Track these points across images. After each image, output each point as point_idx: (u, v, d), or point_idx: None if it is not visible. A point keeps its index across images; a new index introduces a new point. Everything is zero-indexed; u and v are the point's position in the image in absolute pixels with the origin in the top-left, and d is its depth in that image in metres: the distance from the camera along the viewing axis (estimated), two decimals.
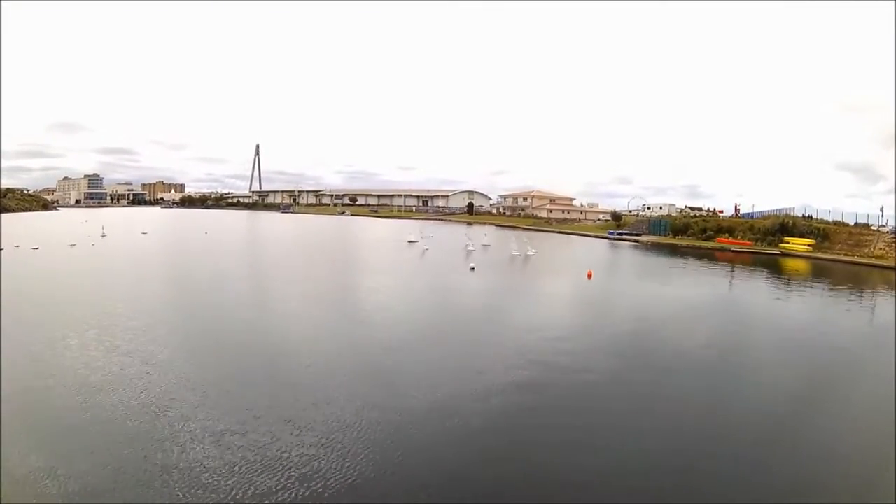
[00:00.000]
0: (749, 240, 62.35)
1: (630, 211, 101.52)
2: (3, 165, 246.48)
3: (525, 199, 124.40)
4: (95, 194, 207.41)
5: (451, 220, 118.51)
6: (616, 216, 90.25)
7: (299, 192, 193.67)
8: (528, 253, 45.34)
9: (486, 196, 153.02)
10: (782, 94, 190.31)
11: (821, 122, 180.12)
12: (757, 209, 77.29)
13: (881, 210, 60.16)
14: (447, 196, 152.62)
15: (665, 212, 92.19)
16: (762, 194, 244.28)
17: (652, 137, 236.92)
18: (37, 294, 23.46)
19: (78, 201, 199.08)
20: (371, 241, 62.83)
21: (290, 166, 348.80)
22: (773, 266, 45.34)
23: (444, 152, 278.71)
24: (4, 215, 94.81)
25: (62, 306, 21.16)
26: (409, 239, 56.62)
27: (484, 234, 60.33)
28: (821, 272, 42.93)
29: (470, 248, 49.69)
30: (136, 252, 42.33)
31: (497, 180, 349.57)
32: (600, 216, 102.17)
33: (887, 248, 51.00)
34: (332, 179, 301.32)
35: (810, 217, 64.81)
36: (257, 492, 8.37)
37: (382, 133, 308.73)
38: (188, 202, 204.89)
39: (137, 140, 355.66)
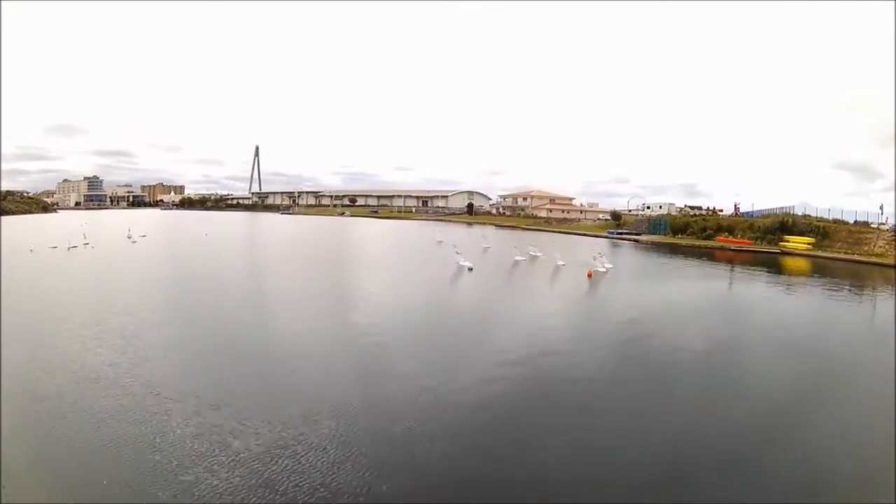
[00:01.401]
0: (749, 238, 62.32)
1: (630, 210, 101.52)
2: (1, 168, 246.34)
3: (525, 198, 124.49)
4: (95, 196, 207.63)
5: (451, 221, 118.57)
6: (616, 216, 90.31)
7: (299, 193, 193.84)
8: (600, 269, 34.73)
9: (485, 196, 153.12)
10: (779, 93, 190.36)
11: (818, 120, 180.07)
12: (756, 208, 77.39)
13: (881, 208, 60.26)
14: (447, 196, 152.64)
15: (665, 211, 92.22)
16: (760, 193, 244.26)
17: (649, 136, 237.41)
18: (30, 295, 23.48)
19: (78, 203, 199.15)
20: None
21: (287, 168, 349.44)
22: (773, 265, 45.31)
23: (441, 153, 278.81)
24: (4, 218, 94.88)
25: (64, 308, 21.18)
26: (484, 245, 51.28)
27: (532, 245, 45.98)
28: (821, 270, 42.92)
29: (518, 257, 40.73)
30: (155, 255, 42.40)
31: (494, 180, 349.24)
32: (600, 216, 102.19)
33: (887, 246, 50.99)
34: (330, 180, 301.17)
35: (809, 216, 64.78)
36: (253, 491, 8.37)
37: (379, 134, 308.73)
38: (188, 204, 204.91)
39: (134, 142, 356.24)
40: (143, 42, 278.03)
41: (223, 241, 59.54)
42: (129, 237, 53.01)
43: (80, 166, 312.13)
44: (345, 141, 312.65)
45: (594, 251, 41.05)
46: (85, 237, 47.26)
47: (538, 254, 42.58)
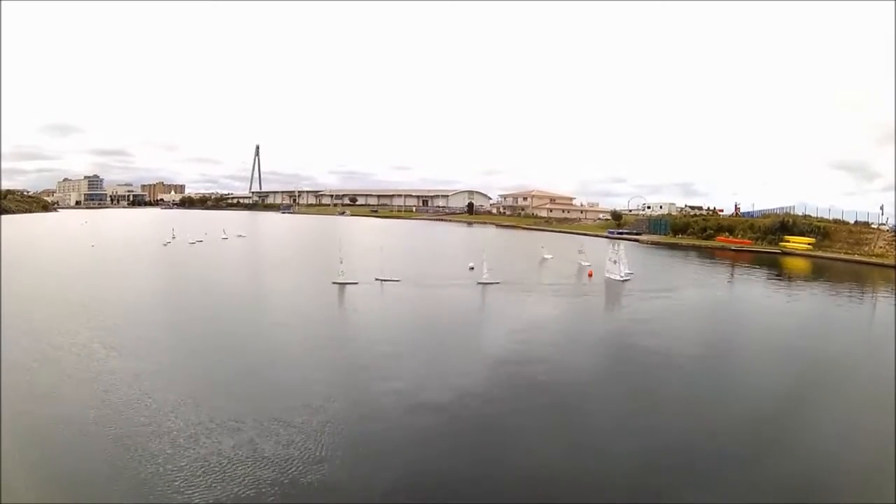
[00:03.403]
0: (749, 238, 62.28)
1: (630, 210, 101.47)
2: (1, 167, 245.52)
3: (525, 198, 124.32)
4: (95, 195, 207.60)
5: (451, 220, 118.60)
6: (616, 215, 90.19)
7: (299, 192, 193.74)
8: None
9: (485, 196, 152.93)
10: (776, 92, 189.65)
11: (815, 119, 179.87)
12: (756, 208, 77.37)
13: (881, 208, 60.23)
14: (447, 196, 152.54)
15: (665, 211, 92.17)
16: (758, 193, 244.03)
17: (645, 135, 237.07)
18: (34, 294, 23.52)
19: (78, 203, 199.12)
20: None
21: (284, 167, 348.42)
22: (773, 265, 45.31)
23: (438, 152, 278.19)
24: (4, 217, 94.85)
25: (59, 305, 21.20)
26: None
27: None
28: (821, 271, 42.92)
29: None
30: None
31: (491, 180, 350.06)
32: (600, 215, 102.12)
33: (887, 247, 50.96)
34: (327, 179, 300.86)
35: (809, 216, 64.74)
36: (249, 491, 8.43)
37: (376, 133, 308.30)
38: (188, 203, 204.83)
39: (131, 141, 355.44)
40: (138, 41, 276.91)
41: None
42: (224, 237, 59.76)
43: (78, 165, 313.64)
44: (341, 140, 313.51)
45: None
46: (205, 233, 58.27)
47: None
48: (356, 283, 27.61)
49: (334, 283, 27.74)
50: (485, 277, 29.18)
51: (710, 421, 11.85)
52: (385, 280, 28.78)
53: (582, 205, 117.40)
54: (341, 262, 28.57)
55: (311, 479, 8.86)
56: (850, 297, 31.22)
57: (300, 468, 9.17)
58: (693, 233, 68.82)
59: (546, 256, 42.15)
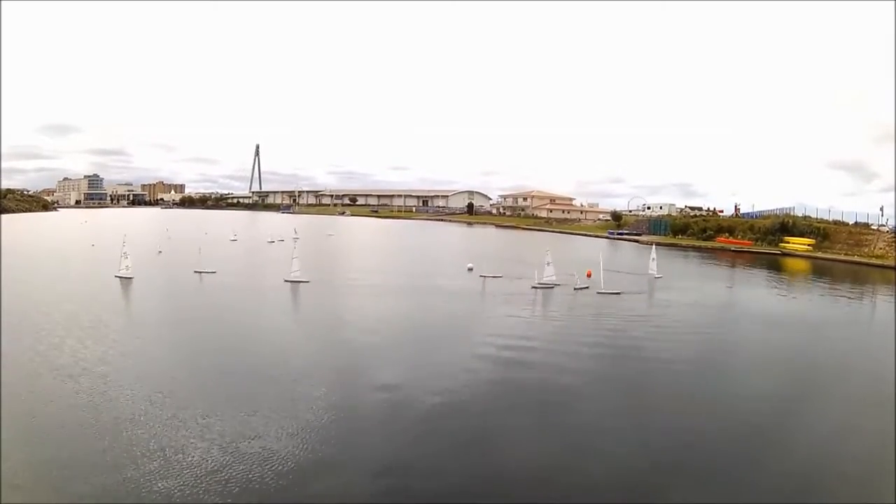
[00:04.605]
0: (749, 239, 62.34)
1: (630, 211, 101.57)
2: (1, 166, 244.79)
3: (525, 199, 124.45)
4: (95, 195, 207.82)
5: (451, 221, 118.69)
6: (616, 216, 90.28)
7: (299, 192, 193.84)
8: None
9: (485, 196, 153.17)
10: (774, 93, 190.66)
11: (813, 119, 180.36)
12: (756, 209, 77.43)
13: (881, 209, 60.28)
14: (447, 196, 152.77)
15: (665, 212, 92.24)
16: (757, 193, 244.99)
17: (644, 135, 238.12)
18: (34, 294, 23.51)
19: (78, 202, 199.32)
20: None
21: (283, 167, 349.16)
22: (773, 266, 45.33)
23: (437, 153, 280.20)
24: (4, 216, 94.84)
25: (59, 305, 21.19)
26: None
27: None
28: (821, 272, 42.92)
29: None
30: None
31: (489, 180, 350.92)
32: (600, 216, 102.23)
33: (887, 248, 50.97)
34: (326, 179, 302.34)
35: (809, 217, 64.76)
36: (247, 488, 8.43)
37: (375, 133, 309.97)
38: (188, 203, 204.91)
39: (129, 141, 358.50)
40: (137, 40, 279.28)
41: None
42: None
43: (76, 165, 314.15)
44: (340, 140, 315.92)
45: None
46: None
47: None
48: (131, 278, 27.52)
49: (116, 276, 27.66)
50: (294, 275, 28.11)
51: (709, 420, 11.83)
52: (203, 272, 30.40)
53: (582, 205, 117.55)
54: (126, 257, 28.03)
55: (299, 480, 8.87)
56: (850, 298, 31.23)
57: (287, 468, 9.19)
58: (693, 233, 68.89)
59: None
